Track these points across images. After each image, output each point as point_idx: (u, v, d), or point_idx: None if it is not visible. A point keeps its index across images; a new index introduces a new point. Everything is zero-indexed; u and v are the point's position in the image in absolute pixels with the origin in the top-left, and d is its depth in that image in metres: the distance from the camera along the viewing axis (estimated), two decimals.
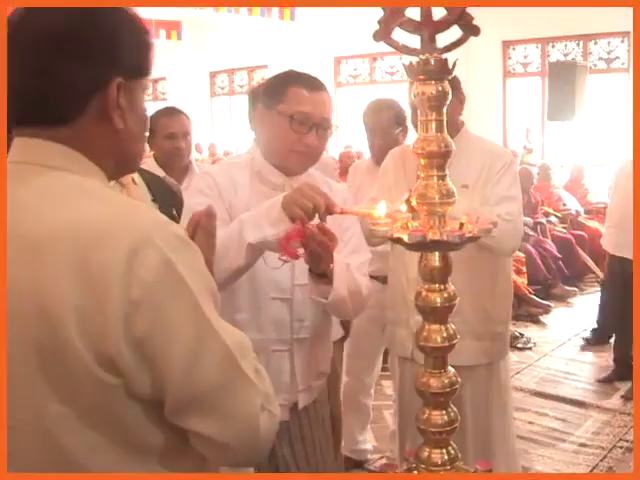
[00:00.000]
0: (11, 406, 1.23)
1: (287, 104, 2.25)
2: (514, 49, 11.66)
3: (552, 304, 7.42)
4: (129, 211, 1.23)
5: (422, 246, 1.69)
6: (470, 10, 1.66)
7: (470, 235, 1.69)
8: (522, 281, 7.58)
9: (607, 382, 5.48)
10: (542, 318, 7.12)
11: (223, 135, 15.71)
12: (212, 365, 1.21)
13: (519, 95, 12.03)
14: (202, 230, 1.53)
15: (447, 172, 1.71)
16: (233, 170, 2.39)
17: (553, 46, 11.22)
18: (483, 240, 2.87)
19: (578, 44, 10.91)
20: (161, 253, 1.16)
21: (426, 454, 1.82)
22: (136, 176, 2.91)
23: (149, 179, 3.09)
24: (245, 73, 15.30)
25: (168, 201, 3.00)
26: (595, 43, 10.72)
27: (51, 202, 1.22)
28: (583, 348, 6.25)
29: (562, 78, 9.00)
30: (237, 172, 2.37)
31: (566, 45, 11.04)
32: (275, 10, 11.92)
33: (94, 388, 1.18)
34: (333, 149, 10.79)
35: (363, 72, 13.58)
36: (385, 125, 3.98)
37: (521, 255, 7.81)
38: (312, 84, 2.30)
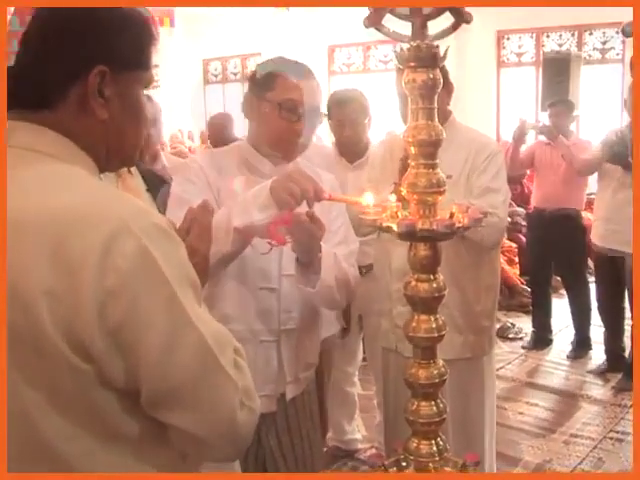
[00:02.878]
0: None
1: (275, 92, 2.24)
2: (508, 39, 11.63)
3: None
4: (109, 200, 1.22)
5: (412, 235, 1.67)
6: None
7: (460, 225, 1.67)
8: (514, 272, 7.59)
9: (598, 373, 5.49)
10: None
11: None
12: (187, 357, 1.20)
13: (513, 85, 11.99)
14: (198, 225, 1.53)
15: (437, 161, 1.70)
16: (220, 158, 2.38)
17: (548, 36, 11.19)
18: (466, 234, 2.89)
19: (573, 34, 10.88)
20: (138, 242, 1.15)
21: (415, 445, 1.82)
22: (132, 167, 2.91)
23: (143, 170, 3.09)
24: (239, 61, 15.24)
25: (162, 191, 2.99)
26: (590, 34, 10.69)
27: (34, 189, 1.22)
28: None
29: (556, 69, 8.95)
30: (224, 160, 2.36)
31: (561, 35, 11.01)
32: None
33: (67, 374, 1.17)
34: (327, 139, 10.76)
35: (357, 61, 13.53)
36: (353, 116, 3.92)
37: (513, 245, 7.81)
38: (300, 72, 2.28)
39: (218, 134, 5.66)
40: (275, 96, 2.23)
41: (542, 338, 6.18)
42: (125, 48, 1.31)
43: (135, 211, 1.20)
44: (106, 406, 1.21)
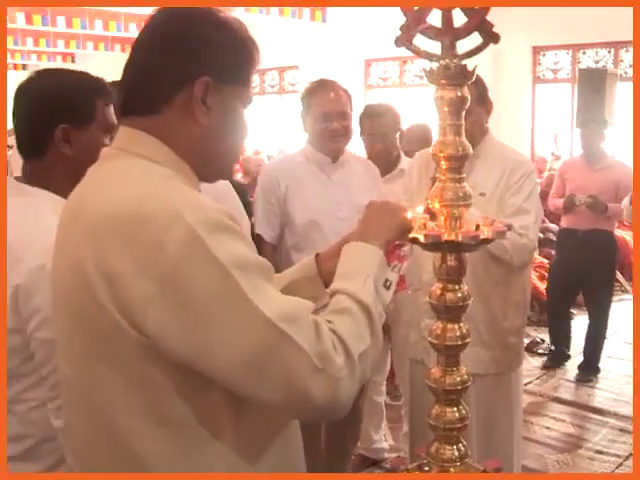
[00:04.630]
0: (60, 361, 1.43)
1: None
2: (544, 55, 11.61)
3: (574, 311, 7.40)
4: (169, 193, 1.30)
5: (437, 246, 1.73)
6: (500, 15, 1.70)
7: (485, 237, 1.73)
8: (545, 287, 7.56)
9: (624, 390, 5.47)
10: None
11: (252, 134, 15.73)
12: (245, 332, 1.24)
13: (548, 101, 11.97)
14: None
15: (464, 175, 1.75)
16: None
17: (584, 53, 11.15)
18: (495, 252, 2.93)
19: (609, 51, 10.84)
20: (190, 230, 1.23)
21: (437, 450, 1.85)
22: None
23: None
24: (276, 73, 15.35)
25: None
26: (626, 50, 10.63)
27: (105, 180, 1.38)
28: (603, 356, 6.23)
29: (592, 85, 8.93)
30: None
31: (597, 52, 10.98)
32: (306, 11, 11.94)
33: (128, 348, 1.27)
34: (361, 151, 10.82)
35: (393, 75, 13.57)
36: (385, 130, 3.99)
37: (545, 261, 7.79)
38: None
39: None
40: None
41: (561, 355, 6.14)
42: (228, 63, 1.43)
43: (191, 204, 1.28)
44: (163, 385, 1.29)
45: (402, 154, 4.16)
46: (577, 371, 5.90)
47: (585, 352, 5.98)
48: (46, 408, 1.81)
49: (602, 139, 5.96)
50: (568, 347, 6.17)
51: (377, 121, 4.00)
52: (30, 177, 1.97)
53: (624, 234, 8.17)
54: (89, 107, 1.95)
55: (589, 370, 5.87)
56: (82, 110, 1.94)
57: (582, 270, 5.83)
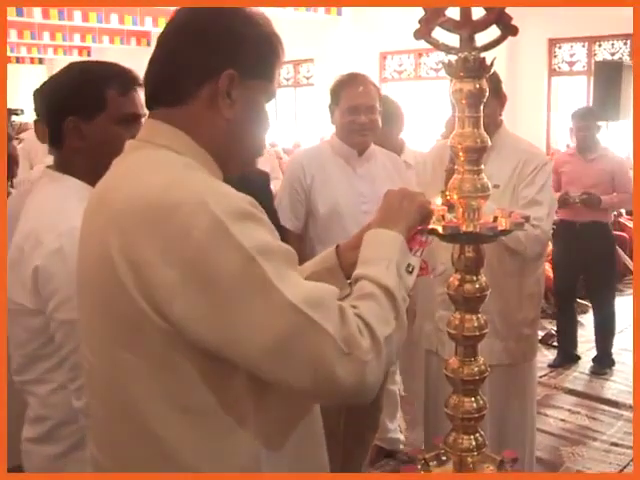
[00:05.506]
0: (84, 349, 1.45)
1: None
2: (560, 47, 11.57)
3: (589, 304, 7.39)
4: (194, 182, 1.32)
5: (456, 238, 1.75)
6: (516, 8, 1.70)
7: (503, 228, 1.75)
8: None
9: None
10: (579, 317, 7.08)
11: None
12: (270, 317, 1.24)
13: (564, 94, 11.93)
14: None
15: (482, 167, 1.77)
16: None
17: (600, 45, 11.11)
18: (509, 243, 2.95)
19: (625, 43, 10.79)
20: (215, 217, 1.24)
21: (454, 440, 1.87)
22: None
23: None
24: (291, 67, 15.35)
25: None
26: None
27: (131, 170, 1.40)
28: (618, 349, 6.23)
29: (608, 77, 8.88)
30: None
31: (613, 44, 10.93)
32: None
33: (153, 334, 1.29)
34: None
35: (408, 68, 13.54)
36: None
37: None
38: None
39: None
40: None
41: (568, 354, 6.09)
42: (253, 58, 1.45)
43: (216, 192, 1.30)
44: (187, 372, 1.31)
45: (406, 147, 4.14)
46: (592, 364, 5.91)
47: (597, 345, 6.00)
48: (66, 391, 1.84)
49: (597, 130, 5.95)
50: (575, 349, 6.15)
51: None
52: (56, 167, 2.01)
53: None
54: (98, 97, 1.95)
55: (603, 363, 5.87)
56: (90, 101, 1.95)
57: (582, 262, 5.85)
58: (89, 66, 2.08)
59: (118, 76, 2.00)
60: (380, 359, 1.31)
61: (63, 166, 1.99)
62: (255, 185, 3.13)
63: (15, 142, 3.15)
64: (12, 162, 3.21)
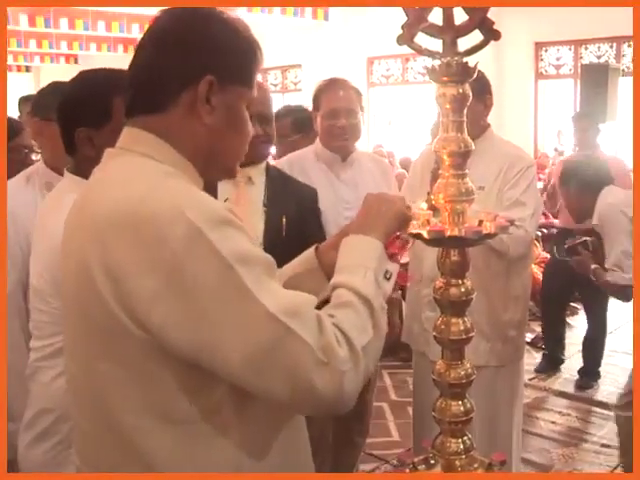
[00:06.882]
0: (67, 361, 1.45)
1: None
2: (546, 51, 11.62)
3: (579, 306, 7.39)
4: (170, 191, 1.31)
5: (441, 242, 1.75)
6: (502, 11, 1.71)
7: (487, 232, 1.75)
8: None
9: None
10: (569, 320, 7.10)
11: None
12: (248, 326, 1.24)
13: (551, 97, 11.98)
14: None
15: (467, 171, 1.78)
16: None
17: (586, 48, 11.15)
18: (492, 244, 2.96)
19: (611, 46, 10.84)
20: (192, 225, 1.24)
21: (442, 443, 1.87)
22: (258, 175, 2.89)
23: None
24: (279, 72, 15.37)
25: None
26: (629, 45, 10.62)
27: (109, 180, 1.39)
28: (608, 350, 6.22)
29: (594, 80, 8.94)
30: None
31: (599, 47, 10.98)
32: (309, 10, 11.97)
33: (131, 343, 1.29)
34: (365, 149, 10.84)
35: (396, 72, 13.56)
36: (282, 132, 3.90)
37: (549, 257, 7.79)
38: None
39: None
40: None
41: (553, 359, 6.05)
42: (232, 64, 1.45)
43: (193, 200, 1.29)
44: (167, 382, 1.30)
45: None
46: (577, 376, 5.78)
47: (584, 359, 5.85)
48: None
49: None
50: (562, 353, 6.11)
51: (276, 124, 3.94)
52: (73, 171, 2.09)
53: None
54: (105, 107, 1.98)
55: (589, 377, 5.73)
56: (98, 111, 1.98)
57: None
58: (95, 75, 2.10)
59: (123, 84, 2.03)
60: (358, 368, 1.31)
61: (79, 172, 2.02)
62: (306, 202, 3.09)
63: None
64: (28, 152, 3.24)
